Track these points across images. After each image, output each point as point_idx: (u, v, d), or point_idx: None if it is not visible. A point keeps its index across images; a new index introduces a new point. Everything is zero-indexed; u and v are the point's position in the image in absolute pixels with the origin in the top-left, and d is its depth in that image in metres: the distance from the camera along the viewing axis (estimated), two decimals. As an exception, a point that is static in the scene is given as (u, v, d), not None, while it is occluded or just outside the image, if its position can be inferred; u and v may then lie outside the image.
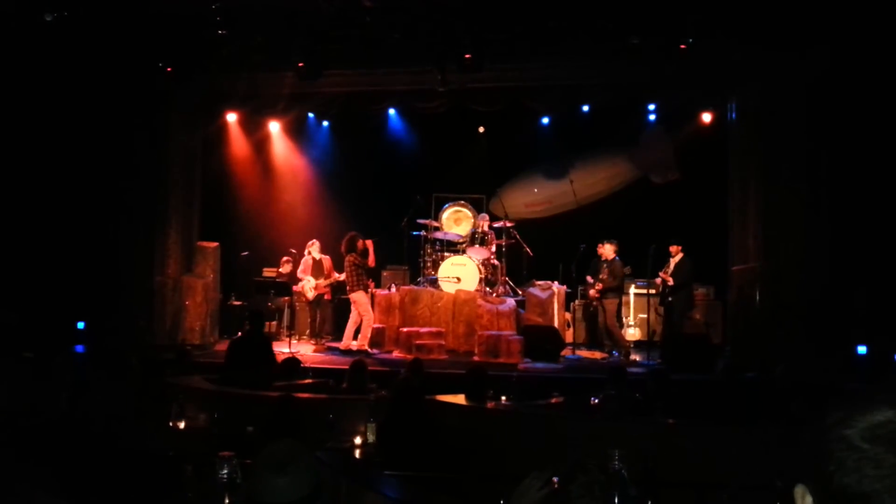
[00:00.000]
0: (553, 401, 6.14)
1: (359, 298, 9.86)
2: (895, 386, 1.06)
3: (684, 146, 11.90)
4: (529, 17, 8.79)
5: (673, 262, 9.67)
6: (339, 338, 10.35)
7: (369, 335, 9.87)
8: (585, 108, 11.38)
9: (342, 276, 10.20)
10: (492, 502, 2.77)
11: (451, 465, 4.20)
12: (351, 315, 10.02)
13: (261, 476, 2.06)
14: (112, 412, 4.11)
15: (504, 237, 11.05)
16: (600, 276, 9.85)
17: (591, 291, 9.97)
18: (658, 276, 9.70)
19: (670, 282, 9.55)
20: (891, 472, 0.98)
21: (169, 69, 9.65)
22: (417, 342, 9.45)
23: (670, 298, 9.66)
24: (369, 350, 9.82)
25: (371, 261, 10.17)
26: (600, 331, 10.09)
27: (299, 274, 10.74)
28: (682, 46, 8.58)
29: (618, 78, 10.16)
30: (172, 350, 8.50)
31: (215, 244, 11.03)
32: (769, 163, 9.22)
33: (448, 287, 10.45)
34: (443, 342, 9.69)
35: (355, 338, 10.09)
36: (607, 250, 9.84)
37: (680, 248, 9.67)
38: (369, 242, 10.12)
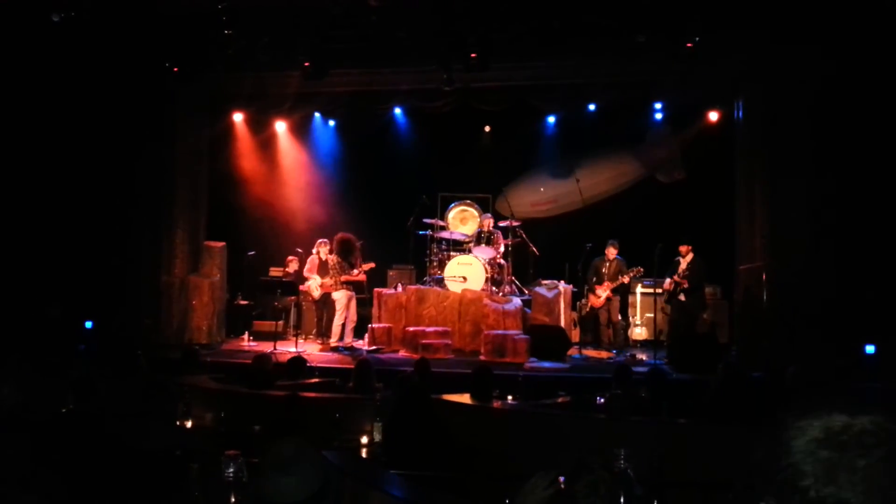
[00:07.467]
0: (559, 400, 6.13)
1: (338, 298, 9.97)
2: (842, 392, 1.08)
3: (691, 145, 11.87)
4: (535, 16, 8.78)
5: (685, 262, 9.66)
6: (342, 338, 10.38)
7: (339, 332, 9.99)
8: (591, 107, 11.33)
9: (352, 276, 10.17)
10: (498, 502, 2.77)
11: (456, 464, 4.20)
12: (346, 314, 10.09)
13: (268, 477, 2.04)
14: (119, 410, 4.13)
15: (510, 236, 11.04)
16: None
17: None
18: (672, 279, 9.67)
19: (684, 284, 9.54)
20: (863, 477, 1.00)
21: (175, 69, 9.68)
22: (423, 342, 9.45)
23: (682, 298, 9.63)
24: (337, 344, 9.89)
25: (357, 263, 10.20)
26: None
27: (305, 273, 10.75)
28: (689, 45, 8.57)
29: (624, 77, 10.14)
30: (179, 349, 8.52)
31: (222, 244, 11.06)
32: (776, 161, 9.17)
33: (454, 286, 10.44)
34: (449, 341, 9.68)
35: (360, 337, 10.14)
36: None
37: (690, 247, 9.68)
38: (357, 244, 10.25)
